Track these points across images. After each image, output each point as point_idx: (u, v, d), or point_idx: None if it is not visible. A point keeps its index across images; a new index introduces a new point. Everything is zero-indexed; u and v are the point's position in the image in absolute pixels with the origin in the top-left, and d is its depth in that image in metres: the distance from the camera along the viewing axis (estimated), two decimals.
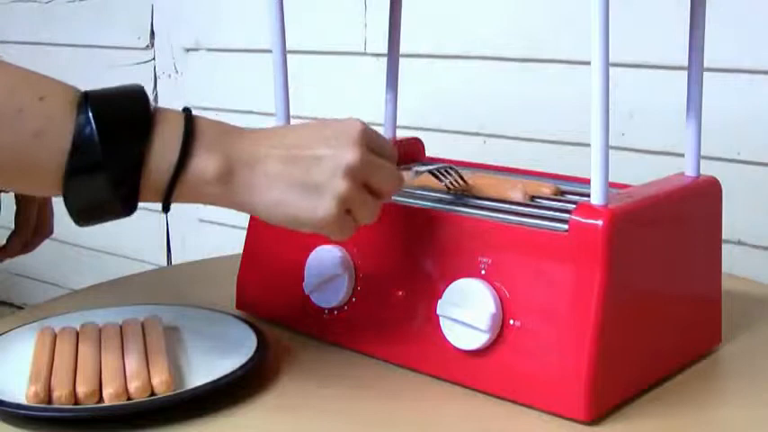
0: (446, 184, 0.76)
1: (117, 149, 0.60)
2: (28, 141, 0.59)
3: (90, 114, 0.59)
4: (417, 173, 0.74)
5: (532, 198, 0.76)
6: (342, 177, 0.62)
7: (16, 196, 0.90)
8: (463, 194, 0.75)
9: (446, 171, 0.76)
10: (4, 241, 0.92)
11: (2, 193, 0.92)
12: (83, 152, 0.59)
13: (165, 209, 0.63)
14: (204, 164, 0.62)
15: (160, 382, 0.65)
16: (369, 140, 0.64)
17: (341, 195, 0.62)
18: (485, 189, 0.76)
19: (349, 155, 0.63)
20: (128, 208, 0.62)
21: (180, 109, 0.64)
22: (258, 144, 0.64)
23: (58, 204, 0.97)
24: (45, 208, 0.92)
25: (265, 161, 0.63)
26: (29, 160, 0.59)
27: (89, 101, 0.60)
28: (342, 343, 0.77)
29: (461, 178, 0.77)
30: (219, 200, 0.63)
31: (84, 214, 0.62)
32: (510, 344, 0.66)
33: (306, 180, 0.63)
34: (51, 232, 0.93)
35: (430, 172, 0.75)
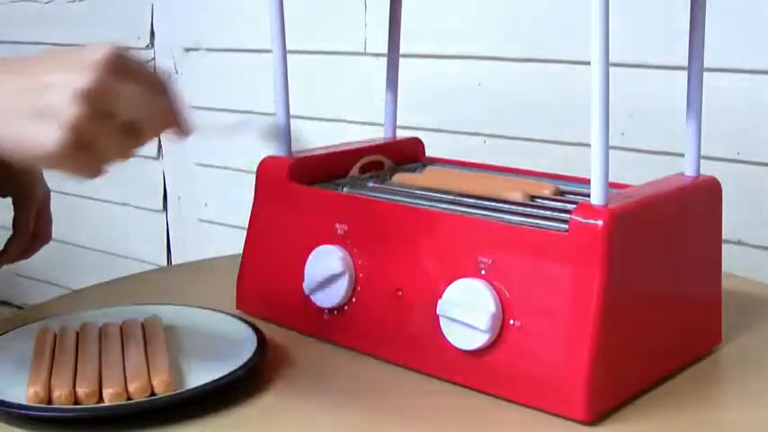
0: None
1: None
2: None
3: None
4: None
5: (532, 198, 0.76)
6: (71, 103, 0.56)
7: (14, 202, 0.89)
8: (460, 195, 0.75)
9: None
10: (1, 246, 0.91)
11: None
12: None
13: None
14: None
15: (160, 382, 0.65)
16: (117, 65, 0.57)
17: (70, 123, 0.56)
18: (482, 190, 0.76)
19: (82, 78, 0.56)
20: None
21: None
22: None
23: (59, 203, 0.97)
24: (44, 213, 0.91)
25: (2, 88, 0.57)
26: None
27: None
28: (342, 343, 0.77)
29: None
30: None
31: None
32: (510, 344, 0.66)
33: (35, 107, 0.56)
34: (50, 238, 0.92)
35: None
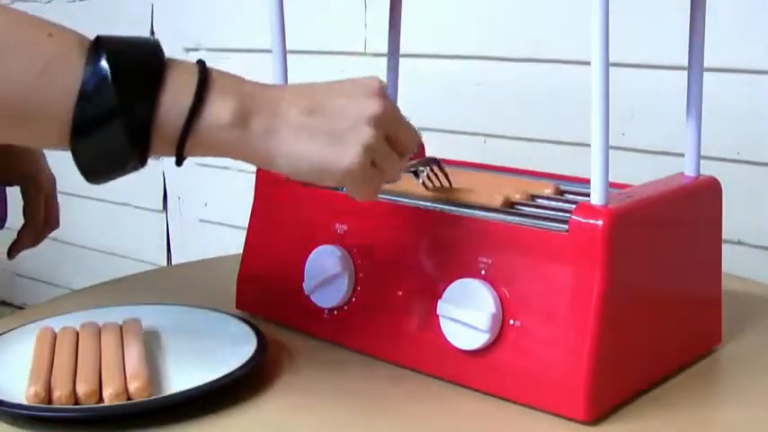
0: (423, 181, 0.74)
1: (131, 94, 0.57)
2: (34, 77, 0.56)
3: (102, 56, 0.56)
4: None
5: (533, 198, 0.76)
6: (366, 125, 0.61)
7: (22, 190, 0.91)
8: (447, 198, 0.74)
9: (426, 165, 0.75)
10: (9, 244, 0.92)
11: (7, 196, 0.92)
12: (95, 98, 0.56)
13: (179, 161, 0.60)
14: (218, 107, 0.59)
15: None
16: (387, 95, 0.63)
17: (366, 143, 0.61)
18: (474, 191, 0.76)
19: (373, 105, 0.61)
20: (140, 160, 0.59)
21: None
22: (279, 92, 0.62)
23: (63, 204, 0.97)
24: (51, 201, 0.92)
25: (287, 110, 0.61)
26: (35, 99, 0.56)
27: (101, 44, 0.57)
28: (342, 343, 0.77)
29: (443, 171, 0.75)
30: (237, 149, 0.61)
31: (96, 166, 0.58)
32: (510, 344, 0.66)
33: (330, 129, 0.61)
34: (58, 224, 0.93)
35: (409, 170, 0.74)
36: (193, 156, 0.61)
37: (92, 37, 0.59)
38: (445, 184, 0.76)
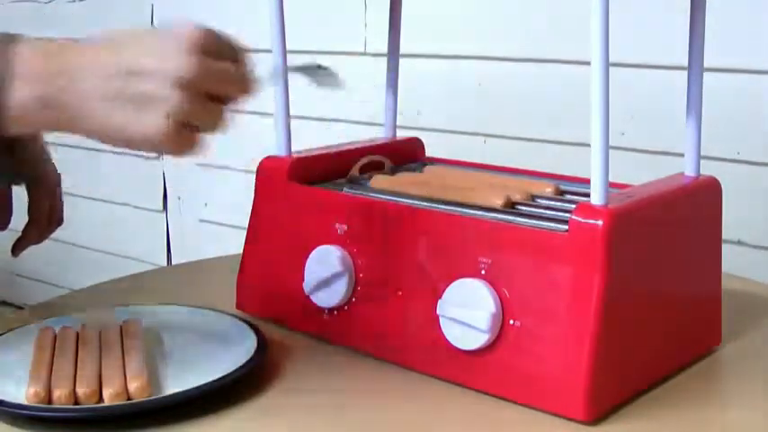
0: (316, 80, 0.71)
1: None
2: None
3: None
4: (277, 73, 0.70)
5: (533, 198, 0.76)
6: (172, 89, 0.59)
7: (28, 188, 0.91)
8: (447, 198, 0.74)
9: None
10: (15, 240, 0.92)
11: (12, 195, 0.92)
12: None
13: (7, 142, 0.61)
14: (22, 92, 0.60)
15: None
16: (205, 45, 0.61)
17: (172, 109, 0.59)
18: (474, 191, 0.76)
19: (179, 64, 0.59)
20: None
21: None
22: (83, 59, 0.61)
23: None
24: (55, 198, 0.92)
25: (92, 81, 0.60)
26: None
27: None
28: (342, 343, 0.77)
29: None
30: (57, 127, 0.61)
31: None
32: (510, 344, 0.66)
33: (134, 95, 0.59)
34: (62, 221, 0.93)
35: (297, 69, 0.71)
36: (21, 132, 0.61)
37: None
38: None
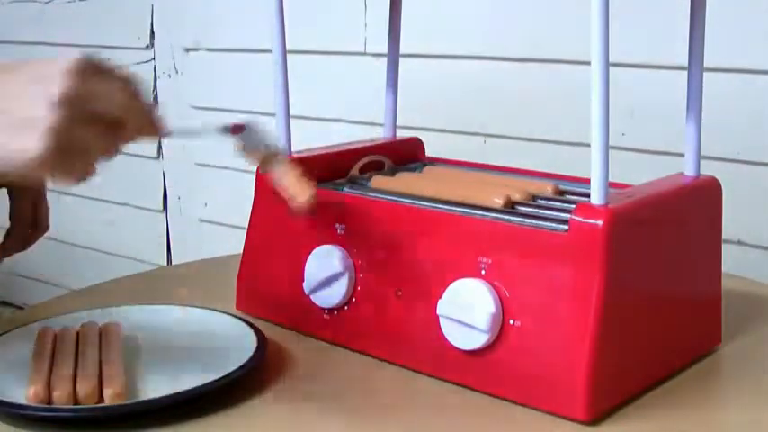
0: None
1: None
2: None
3: None
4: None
5: (533, 198, 0.76)
6: (48, 110, 0.56)
7: (9, 192, 0.89)
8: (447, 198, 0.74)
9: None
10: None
11: None
12: None
13: None
14: None
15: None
16: (87, 69, 0.58)
17: (53, 129, 0.56)
18: (474, 191, 0.76)
19: (56, 85, 0.57)
20: None
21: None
22: None
23: (58, 203, 0.97)
24: (40, 203, 0.91)
25: None
26: None
27: None
28: (342, 343, 0.77)
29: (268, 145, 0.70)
30: None
31: None
32: (510, 344, 0.66)
33: (11, 119, 0.57)
34: (48, 228, 0.92)
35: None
36: None
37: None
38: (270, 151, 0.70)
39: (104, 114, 0.59)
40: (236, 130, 0.69)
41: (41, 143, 0.56)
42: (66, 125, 0.57)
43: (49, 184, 0.60)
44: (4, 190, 0.91)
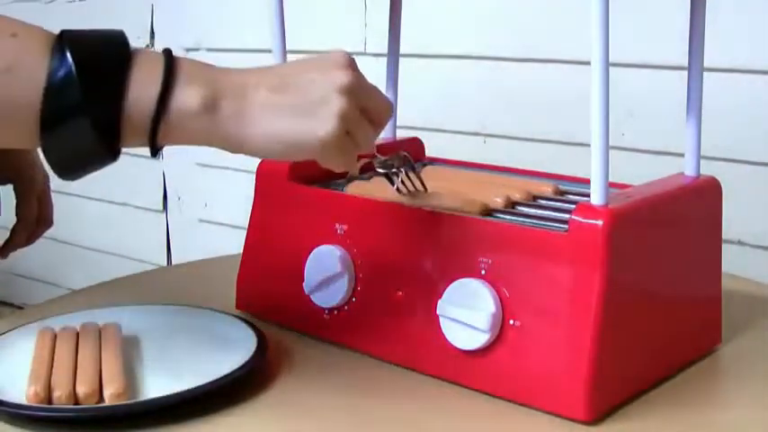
0: (397, 186, 0.73)
1: (98, 88, 0.57)
2: None
3: (67, 52, 0.56)
4: (379, 161, 0.72)
5: (533, 198, 0.76)
6: (339, 96, 0.61)
7: (16, 189, 0.90)
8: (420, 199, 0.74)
9: (399, 168, 0.73)
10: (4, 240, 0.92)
11: (0, 194, 0.92)
12: (60, 94, 0.56)
13: (154, 152, 0.60)
14: (187, 94, 0.59)
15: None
16: (356, 67, 0.63)
17: (340, 112, 0.61)
18: (474, 191, 0.76)
19: (342, 75, 0.61)
20: (112, 153, 0.59)
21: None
22: (245, 75, 0.62)
23: (58, 203, 0.97)
24: (45, 199, 0.92)
25: (256, 89, 0.61)
26: (2, 99, 0.56)
27: (65, 40, 0.57)
28: (342, 343, 0.77)
29: (416, 174, 0.74)
30: (209, 135, 0.60)
31: (67, 163, 0.59)
32: (510, 344, 0.66)
33: (301, 103, 0.61)
34: (52, 223, 0.93)
35: (383, 168, 0.73)
36: (167, 144, 0.60)
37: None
38: (420, 188, 0.75)
39: (370, 110, 0.63)
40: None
41: (329, 126, 0.60)
42: (350, 112, 0.61)
43: (326, 167, 0.64)
44: (9, 188, 0.91)
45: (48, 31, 0.59)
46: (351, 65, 0.62)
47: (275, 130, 0.61)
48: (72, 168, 0.60)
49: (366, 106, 0.63)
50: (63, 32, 0.58)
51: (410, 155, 0.74)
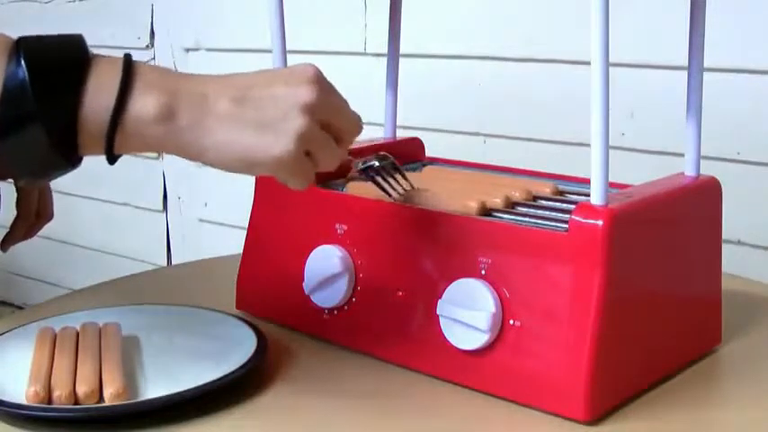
0: (385, 189, 0.73)
1: (51, 97, 0.56)
2: None
3: (22, 60, 0.56)
4: (359, 165, 0.71)
5: (533, 198, 0.76)
6: (300, 114, 0.59)
7: (16, 183, 0.91)
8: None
9: (387, 170, 0.73)
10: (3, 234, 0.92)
11: (1, 189, 0.92)
12: (14, 101, 0.55)
13: (110, 160, 0.59)
14: (143, 102, 0.58)
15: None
16: (324, 82, 0.62)
17: (299, 132, 0.59)
18: (474, 191, 0.76)
19: (306, 92, 0.60)
20: (70, 161, 0.58)
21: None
22: (206, 84, 0.61)
23: (58, 203, 0.97)
24: (45, 193, 0.92)
25: (216, 100, 0.59)
26: None
27: (21, 46, 0.57)
28: (342, 343, 0.77)
29: (401, 174, 0.74)
30: (165, 143, 0.59)
31: (23, 171, 0.59)
32: (510, 344, 0.66)
33: (261, 118, 0.59)
34: (52, 216, 0.93)
35: (368, 171, 0.72)
36: (124, 153, 0.60)
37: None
38: (407, 187, 0.74)
39: (335, 128, 0.63)
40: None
41: (287, 144, 0.59)
42: (310, 131, 0.60)
43: (281, 184, 0.63)
44: (9, 182, 0.91)
45: (7, 37, 0.58)
46: (317, 80, 0.61)
47: (231, 143, 0.59)
48: (29, 175, 0.60)
49: (331, 123, 0.62)
50: (20, 39, 0.58)
51: (390, 155, 0.73)
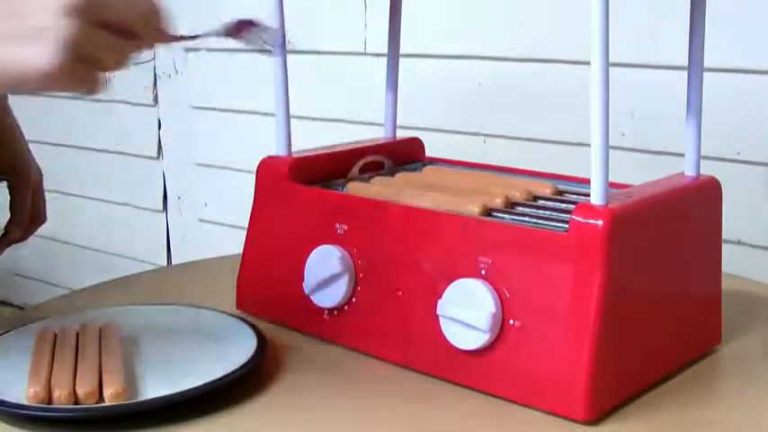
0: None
1: None
2: None
3: None
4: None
5: (533, 198, 0.76)
6: (63, 17, 0.54)
7: (9, 185, 0.90)
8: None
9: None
10: None
11: None
12: None
13: None
14: None
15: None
16: None
17: (66, 38, 0.54)
18: (474, 191, 0.76)
19: None
20: None
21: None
22: None
23: (59, 203, 0.97)
24: (38, 195, 0.92)
25: None
26: None
27: None
28: (342, 343, 0.77)
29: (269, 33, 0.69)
30: None
31: None
32: (510, 344, 0.66)
33: (18, 30, 0.55)
34: (45, 219, 0.93)
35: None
36: None
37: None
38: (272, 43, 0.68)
39: (116, 23, 0.57)
40: (242, 27, 0.68)
41: (53, 54, 0.55)
42: (79, 35, 0.55)
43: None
44: (2, 185, 0.91)
45: None
46: None
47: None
48: None
49: (109, 20, 0.57)
50: None
51: (254, 21, 0.68)
